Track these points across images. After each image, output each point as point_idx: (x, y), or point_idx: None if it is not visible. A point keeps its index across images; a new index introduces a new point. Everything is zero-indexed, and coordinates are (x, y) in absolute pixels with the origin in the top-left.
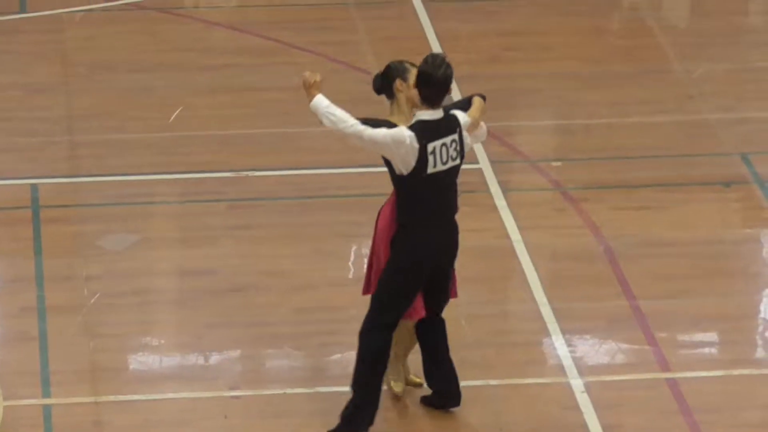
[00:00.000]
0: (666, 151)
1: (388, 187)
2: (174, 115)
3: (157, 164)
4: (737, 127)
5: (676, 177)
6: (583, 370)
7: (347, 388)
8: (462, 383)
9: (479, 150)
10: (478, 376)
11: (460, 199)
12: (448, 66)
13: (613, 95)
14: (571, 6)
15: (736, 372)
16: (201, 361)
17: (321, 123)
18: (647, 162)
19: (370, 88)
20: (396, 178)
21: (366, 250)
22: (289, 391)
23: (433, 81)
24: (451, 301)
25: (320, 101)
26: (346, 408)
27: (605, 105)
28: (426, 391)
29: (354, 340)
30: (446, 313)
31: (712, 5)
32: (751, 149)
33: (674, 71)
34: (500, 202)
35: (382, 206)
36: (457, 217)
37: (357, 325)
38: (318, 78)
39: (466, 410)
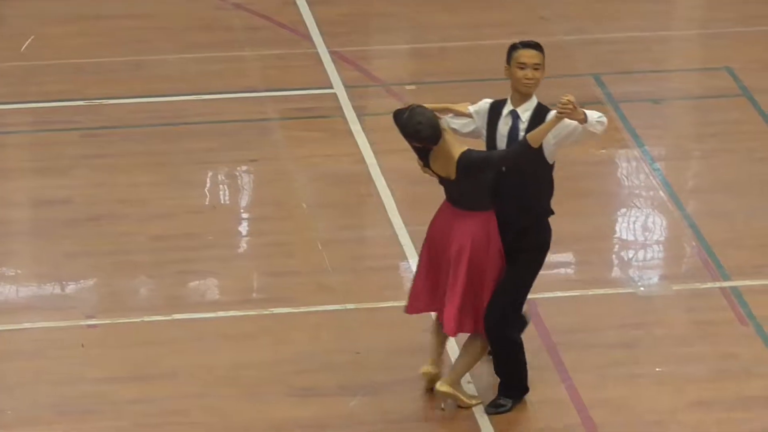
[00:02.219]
0: None
1: (244, 114)
2: (25, 45)
3: (8, 94)
4: (589, 48)
5: None
6: None
7: (205, 315)
8: (319, 308)
9: (333, 75)
10: (335, 301)
11: (316, 124)
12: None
13: (468, 18)
14: None
15: (591, 292)
16: (58, 290)
17: (593, 135)
18: (502, 84)
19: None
20: (541, 167)
21: (223, 178)
22: (146, 319)
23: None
24: (308, 226)
25: (591, 114)
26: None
27: (460, 27)
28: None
29: (211, 267)
30: (303, 239)
31: None
32: (604, 70)
33: None
34: (355, 126)
35: (454, 237)
36: (313, 142)
37: (215, 252)
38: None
39: (324, 335)
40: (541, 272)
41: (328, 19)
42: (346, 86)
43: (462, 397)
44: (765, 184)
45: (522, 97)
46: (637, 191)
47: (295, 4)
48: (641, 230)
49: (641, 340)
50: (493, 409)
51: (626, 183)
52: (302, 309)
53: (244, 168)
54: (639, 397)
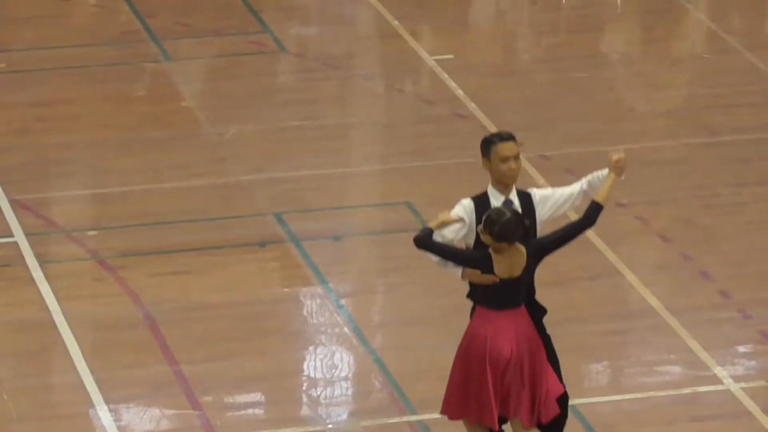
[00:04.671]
0: (202, 214)
1: None
2: None
3: None
4: (269, 187)
5: (214, 240)
6: None
7: None
8: None
9: (13, 223)
10: None
11: None
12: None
13: (147, 161)
14: (99, 74)
15: (281, 431)
16: None
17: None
18: (184, 226)
19: None
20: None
21: None
22: None
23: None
24: None
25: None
26: None
27: (140, 171)
28: None
29: None
30: None
31: (241, 68)
32: (285, 208)
33: (205, 134)
34: (37, 274)
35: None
36: None
37: None
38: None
39: None
40: (230, 413)
41: (5, 166)
42: (27, 234)
43: None
44: (447, 315)
45: (506, 187)
46: (322, 328)
47: None
48: (328, 367)
49: None
50: None
51: (311, 321)
52: None
53: None
54: None
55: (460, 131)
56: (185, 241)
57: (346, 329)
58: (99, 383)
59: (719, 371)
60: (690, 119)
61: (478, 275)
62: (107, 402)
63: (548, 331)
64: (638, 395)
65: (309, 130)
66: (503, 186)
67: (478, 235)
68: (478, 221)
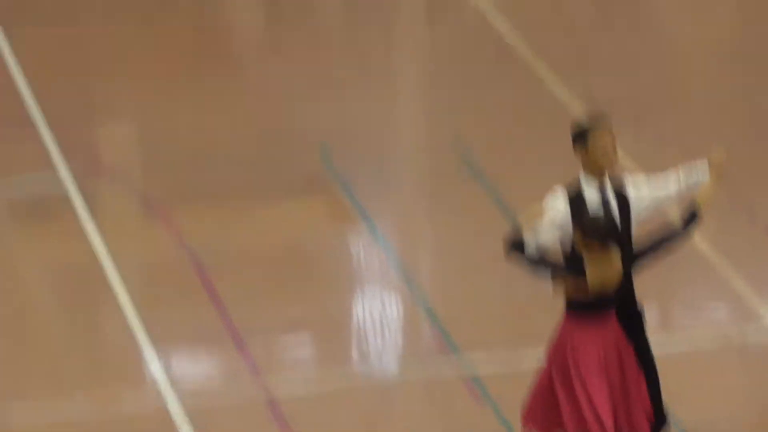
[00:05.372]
0: (250, 156)
1: None
2: None
3: None
4: (317, 129)
5: (261, 182)
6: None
7: None
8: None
9: (60, 164)
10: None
11: None
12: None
13: (196, 103)
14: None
15: (327, 374)
16: None
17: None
18: (232, 168)
19: None
20: None
21: None
22: None
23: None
24: None
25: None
26: None
27: (189, 113)
28: None
29: None
30: None
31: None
32: (333, 150)
33: (248, 76)
34: (84, 215)
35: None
36: None
37: None
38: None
39: None
40: (275, 358)
41: (53, 107)
42: (74, 175)
43: None
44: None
45: (600, 175)
46: (369, 272)
47: None
48: (375, 311)
49: (377, 424)
50: None
51: (358, 264)
52: None
53: None
54: None
55: (508, 68)
56: (232, 184)
57: (393, 273)
58: (146, 325)
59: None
60: (736, 52)
61: (575, 286)
62: (154, 344)
63: None
64: (685, 338)
65: (357, 70)
66: (596, 174)
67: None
68: (575, 216)
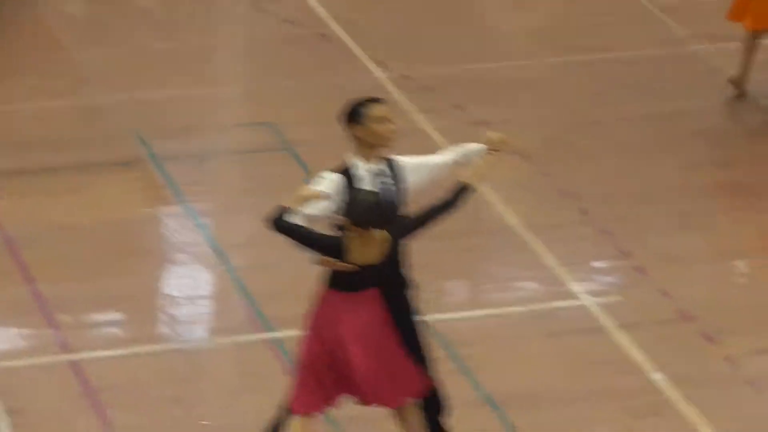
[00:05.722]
0: (65, 135)
1: None
2: None
3: None
4: (133, 108)
5: (77, 161)
6: None
7: None
8: None
9: None
10: None
11: None
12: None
13: (6, 82)
14: None
15: (138, 349)
16: None
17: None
18: (47, 147)
19: None
20: None
21: None
22: None
23: None
24: None
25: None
26: None
27: (1, 92)
28: None
29: None
30: None
31: None
32: (148, 129)
33: (68, 56)
34: None
35: None
36: None
37: None
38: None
39: None
40: (88, 332)
41: None
42: None
43: None
44: None
45: (374, 153)
46: (183, 248)
47: None
48: (188, 286)
49: (190, 394)
50: None
51: (172, 240)
52: None
53: None
54: None
55: (325, 52)
56: (48, 163)
57: (206, 248)
58: None
59: (576, 287)
60: (555, 40)
61: (334, 263)
62: None
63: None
64: (495, 311)
65: (172, 51)
66: (373, 151)
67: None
68: (350, 194)
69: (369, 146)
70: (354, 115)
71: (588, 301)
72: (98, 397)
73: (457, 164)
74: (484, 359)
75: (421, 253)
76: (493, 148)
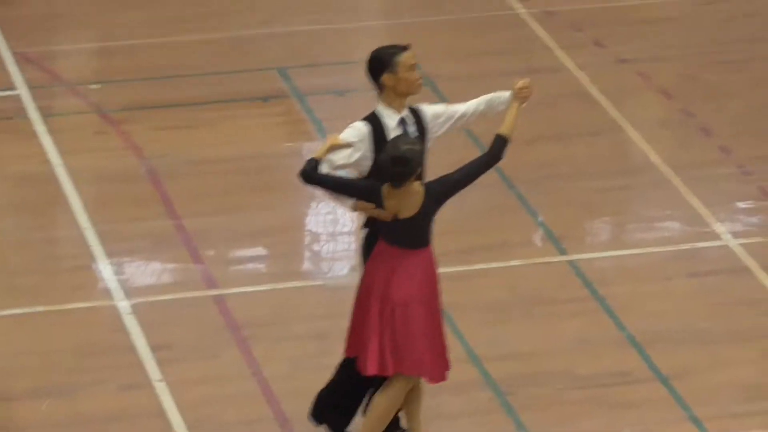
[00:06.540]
0: (207, 68)
1: None
2: None
3: None
4: (275, 41)
5: (218, 94)
6: (129, 291)
7: None
8: (9, 311)
9: (17, 76)
10: (25, 304)
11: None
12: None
13: (153, 15)
14: None
15: (281, 285)
16: None
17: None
18: (188, 80)
19: None
20: None
21: None
22: None
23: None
24: None
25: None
26: None
27: (145, 25)
28: None
29: None
30: None
31: None
32: (289, 63)
33: None
34: (40, 127)
35: None
36: None
37: None
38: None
39: (13, 338)
40: (231, 267)
41: (7, 18)
42: (30, 87)
43: None
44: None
45: (403, 102)
46: None
47: None
48: (330, 222)
49: (331, 331)
50: None
51: None
52: None
53: None
54: None
55: None
56: (189, 96)
57: None
58: (100, 236)
59: (718, 227)
60: None
61: (370, 208)
62: (108, 255)
63: (548, 186)
64: (637, 251)
65: None
66: (401, 100)
67: (374, 163)
68: (376, 145)
69: (399, 94)
70: (384, 63)
71: (731, 242)
72: (242, 332)
73: (482, 113)
74: (627, 299)
75: (563, 192)
76: (521, 95)
